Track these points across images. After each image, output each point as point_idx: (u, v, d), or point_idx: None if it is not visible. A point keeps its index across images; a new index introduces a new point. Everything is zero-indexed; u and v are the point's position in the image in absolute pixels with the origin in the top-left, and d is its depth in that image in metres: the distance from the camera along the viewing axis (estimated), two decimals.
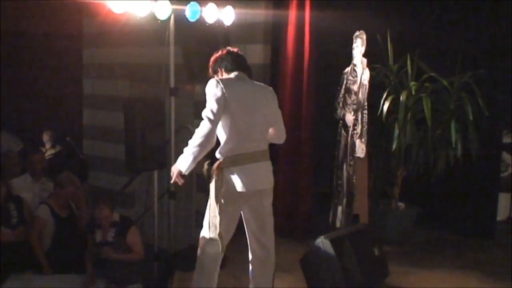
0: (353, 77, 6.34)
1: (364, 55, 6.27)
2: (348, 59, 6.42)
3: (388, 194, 7.00)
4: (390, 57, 6.64)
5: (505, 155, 7.89)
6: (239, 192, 4.41)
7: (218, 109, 4.33)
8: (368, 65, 6.27)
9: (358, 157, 6.35)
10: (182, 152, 4.51)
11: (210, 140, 4.38)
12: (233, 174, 4.41)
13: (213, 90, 4.38)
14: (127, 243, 5.60)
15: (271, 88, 4.79)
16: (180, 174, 4.50)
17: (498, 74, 6.82)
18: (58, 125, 10.10)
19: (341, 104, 6.49)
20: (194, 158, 4.39)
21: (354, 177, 6.38)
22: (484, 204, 7.11)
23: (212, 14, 5.93)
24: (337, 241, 5.30)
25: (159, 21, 5.65)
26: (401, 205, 7.03)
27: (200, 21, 5.92)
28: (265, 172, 4.61)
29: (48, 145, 9.54)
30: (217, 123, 4.37)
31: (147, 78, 8.25)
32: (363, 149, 6.31)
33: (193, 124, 7.52)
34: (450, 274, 5.97)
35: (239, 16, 6.41)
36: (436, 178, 6.68)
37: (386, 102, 6.35)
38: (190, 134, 6.26)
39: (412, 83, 6.48)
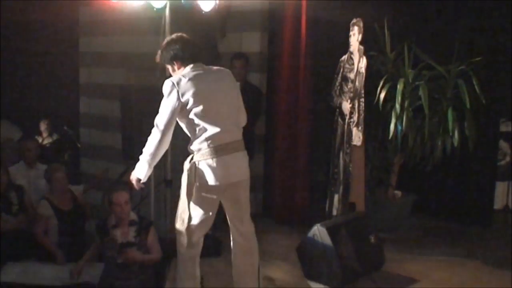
0: (349, 65, 6.32)
1: (361, 43, 6.24)
2: (345, 47, 6.40)
3: (384, 182, 7.00)
4: (387, 45, 6.62)
5: (502, 144, 7.87)
6: (212, 185, 4.41)
7: (169, 118, 4.35)
8: (365, 53, 6.25)
9: (355, 145, 6.33)
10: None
11: (163, 146, 4.45)
12: (206, 167, 4.39)
13: (167, 95, 4.37)
14: (148, 244, 5.44)
15: (228, 70, 4.78)
16: (138, 181, 4.58)
17: (495, 62, 6.80)
18: (55, 113, 10.10)
19: (337, 92, 6.48)
20: (150, 165, 4.50)
21: (351, 165, 6.37)
22: (481, 193, 7.11)
23: (208, 3, 5.90)
24: (333, 229, 5.31)
25: (155, 10, 5.64)
26: (398, 193, 7.03)
27: (196, 10, 5.90)
28: (240, 163, 4.57)
29: (45, 134, 9.56)
30: (168, 131, 4.39)
31: (143, 67, 8.22)
32: (359, 137, 6.29)
33: None
34: (446, 262, 5.99)
35: (236, 4, 6.40)
36: (433, 166, 6.68)
37: (383, 90, 6.33)
38: None
39: (409, 71, 6.46)
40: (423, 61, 6.55)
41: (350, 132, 6.32)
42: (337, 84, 6.46)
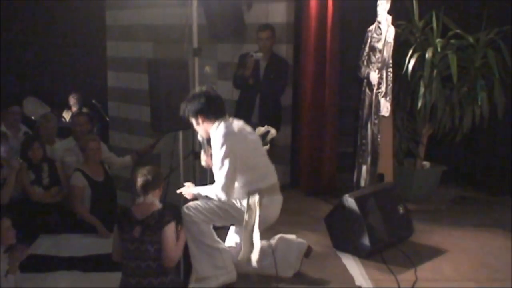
0: (377, 35, 6.27)
1: (389, 12, 6.19)
2: (372, 16, 6.35)
3: (413, 152, 6.97)
4: (415, 14, 6.56)
5: None
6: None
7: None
8: (393, 22, 6.20)
9: (383, 116, 6.31)
10: None
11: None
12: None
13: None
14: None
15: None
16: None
17: None
18: (83, 88, 10.18)
19: (365, 63, 6.44)
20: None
21: (379, 136, 6.35)
22: (510, 163, 7.05)
23: None
24: (361, 199, 5.32)
25: None
26: (426, 163, 7.00)
27: None
28: None
29: (74, 108, 9.64)
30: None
31: (170, 39, 8.24)
32: (387, 108, 6.27)
33: (217, 84, 7.54)
34: (475, 232, 5.96)
35: None
36: (462, 136, 6.64)
37: (411, 60, 6.28)
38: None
39: (438, 40, 6.40)
40: (451, 30, 6.48)
41: (378, 103, 6.29)
42: (365, 54, 6.43)
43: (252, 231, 4.52)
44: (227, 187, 4.47)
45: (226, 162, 4.41)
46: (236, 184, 4.55)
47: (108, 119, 9.93)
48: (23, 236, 5.63)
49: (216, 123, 4.54)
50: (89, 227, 5.93)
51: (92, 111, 9.76)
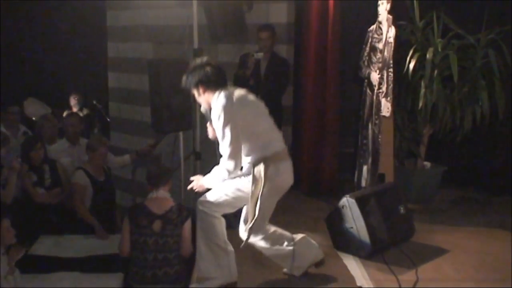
0: (378, 35, 6.27)
1: (390, 12, 6.19)
2: (373, 16, 6.35)
3: (413, 153, 6.97)
4: (416, 14, 6.55)
5: None
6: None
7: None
8: (394, 23, 6.20)
9: (384, 116, 6.32)
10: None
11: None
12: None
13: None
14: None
15: None
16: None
17: None
18: (84, 88, 10.18)
19: (366, 63, 6.44)
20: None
21: (380, 136, 6.35)
22: (510, 163, 7.06)
23: None
24: (362, 200, 5.32)
25: None
26: (427, 164, 7.00)
27: None
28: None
29: (75, 109, 9.63)
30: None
31: (171, 40, 8.24)
32: (388, 108, 6.27)
33: None
34: (475, 232, 5.97)
35: None
36: (463, 136, 6.64)
37: (412, 60, 6.28)
38: None
39: (439, 40, 6.40)
40: (452, 30, 6.48)
41: (378, 103, 6.30)
42: (366, 54, 6.43)
43: (257, 201, 4.48)
44: (233, 156, 4.43)
45: (227, 131, 4.38)
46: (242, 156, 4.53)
47: (109, 120, 9.93)
48: (24, 237, 5.66)
49: (217, 93, 4.49)
50: (90, 228, 5.92)
51: (93, 111, 9.76)
